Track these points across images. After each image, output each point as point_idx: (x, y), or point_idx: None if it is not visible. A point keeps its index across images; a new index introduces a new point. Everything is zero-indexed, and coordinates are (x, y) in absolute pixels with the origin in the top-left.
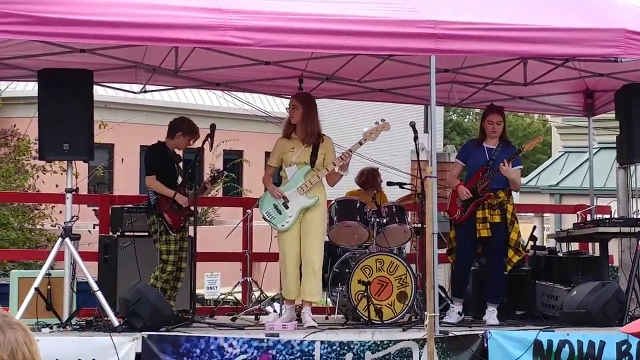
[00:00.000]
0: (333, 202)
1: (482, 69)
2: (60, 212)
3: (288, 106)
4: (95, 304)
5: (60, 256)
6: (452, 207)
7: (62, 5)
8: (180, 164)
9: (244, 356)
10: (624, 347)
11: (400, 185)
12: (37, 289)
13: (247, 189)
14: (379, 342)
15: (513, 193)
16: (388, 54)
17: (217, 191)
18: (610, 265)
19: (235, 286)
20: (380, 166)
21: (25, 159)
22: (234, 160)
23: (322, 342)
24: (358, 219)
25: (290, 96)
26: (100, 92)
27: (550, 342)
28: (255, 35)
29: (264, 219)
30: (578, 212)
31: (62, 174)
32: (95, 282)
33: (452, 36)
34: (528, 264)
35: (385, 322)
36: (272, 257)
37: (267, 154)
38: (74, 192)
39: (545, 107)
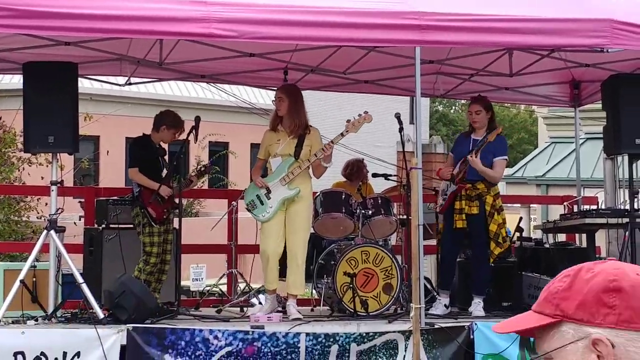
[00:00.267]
0: (318, 193)
1: (468, 60)
2: (46, 204)
3: (274, 98)
4: (80, 296)
5: (45, 248)
6: (439, 198)
7: None
8: (166, 157)
9: (229, 348)
10: None
11: (386, 176)
12: (22, 281)
13: (232, 182)
14: (364, 334)
15: (500, 184)
16: (373, 45)
17: (202, 183)
18: (597, 256)
19: (221, 278)
20: (365, 158)
21: (11, 151)
22: (219, 153)
23: (307, 334)
24: (343, 210)
25: (275, 88)
26: (85, 85)
27: None
28: (240, 27)
29: (247, 209)
30: (565, 203)
31: (47, 166)
32: (81, 274)
33: (437, 27)
34: (514, 255)
35: (370, 313)
36: (258, 249)
37: (253, 146)
38: (59, 185)
39: (531, 97)
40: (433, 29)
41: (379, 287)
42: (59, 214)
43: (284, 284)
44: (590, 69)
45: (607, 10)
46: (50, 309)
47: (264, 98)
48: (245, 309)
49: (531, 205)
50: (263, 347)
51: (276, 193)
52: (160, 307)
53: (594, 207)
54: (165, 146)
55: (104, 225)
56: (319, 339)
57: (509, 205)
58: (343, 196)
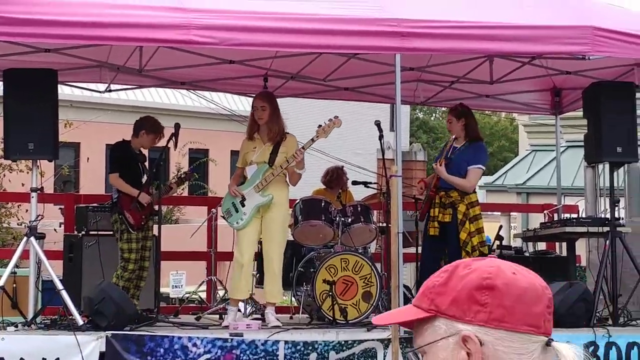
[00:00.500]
0: (298, 201)
1: (448, 67)
2: (27, 210)
3: (253, 107)
4: (60, 303)
5: (25, 255)
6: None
7: (27, 5)
8: (146, 163)
9: (208, 356)
10: (591, 348)
11: (366, 184)
12: (2, 288)
13: (212, 189)
14: (343, 342)
15: (479, 192)
16: (353, 52)
17: (182, 190)
18: (577, 265)
19: (200, 285)
20: (345, 165)
21: None
22: (199, 160)
23: (286, 342)
24: (323, 218)
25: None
26: (65, 91)
27: None
28: (219, 34)
29: (222, 217)
30: (545, 212)
31: (28, 172)
32: (60, 280)
33: (417, 34)
34: None
35: (349, 321)
36: None
37: (233, 153)
38: (39, 191)
39: (512, 105)
40: (413, 36)
41: (358, 294)
42: (39, 220)
43: (262, 292)
44: (571, 76)
45: (589, 17)
46: (30, 316)
47: (244, 105)
48: (224, 316)
49: (511, 213)
50: (242, 355)
51: (250, 200)
52: (140, 314)
53: (575, 215)
54: (145, 152)
55: (83, 232)
56: (298, 347)
57: (489, 213)
58: (322, 204)
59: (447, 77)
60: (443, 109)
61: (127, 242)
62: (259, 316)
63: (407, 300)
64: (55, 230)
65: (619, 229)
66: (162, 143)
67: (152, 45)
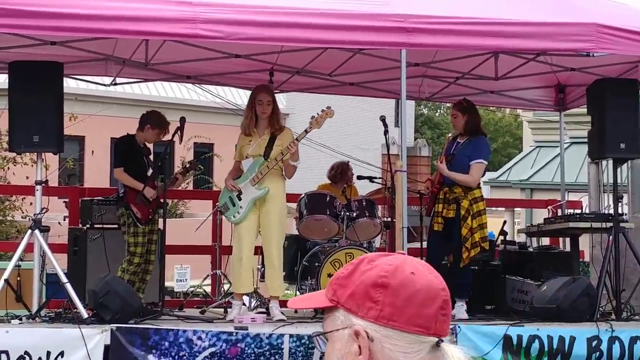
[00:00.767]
0: (303, 195)
1: (453, 63)
2: (31, 203)
3: (259, 101)
4: (64, 296)
5: (30, 248)
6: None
7: None
8: (151, 157)
9: (213, 349)
10: (594, 343)
11: (371, 179)
12: (6, 280)
13: (217, 184)
14: None
15: (483, 188)
16: (359, 47)
17: (187, 184)
18: (580, 260)
19: (205, 279)
20: (351, 160)
21: None
22: (205, 154)
23: (291, 336)
24: (328, 212)
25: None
26: (70, 85)
27: (520, 337)
28: (226, 28)
29: (220, 211)
30: (549, 207)
31: (32, 165)
32: (65, 274)
33: (422, 30)
34: (498, 259)
35: None
36: None
37: None
38: (43, 184)
39: (516, 101)
40: (419, 32)
41: None
42: (44, 213)
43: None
44: (575, 73)
45: (593, 15)
46: (35, 309)
47: None
48: (228, 310)
49: (515, 209)
50: (246, 349)
51: (247, 194)
52: (144, 308)
53: (578, 211)
54: (149, 146)
55: (88, 226)
56: (303, 341)
57: (493, 208)
58: (327, 198)
59: (452, 73)
60: (448, 104)
61: (133, 236)
62: (263, 310)
63: None
64: (59, 223)
65: (622, 224)
66: (167, 137)
67: (158, 38)
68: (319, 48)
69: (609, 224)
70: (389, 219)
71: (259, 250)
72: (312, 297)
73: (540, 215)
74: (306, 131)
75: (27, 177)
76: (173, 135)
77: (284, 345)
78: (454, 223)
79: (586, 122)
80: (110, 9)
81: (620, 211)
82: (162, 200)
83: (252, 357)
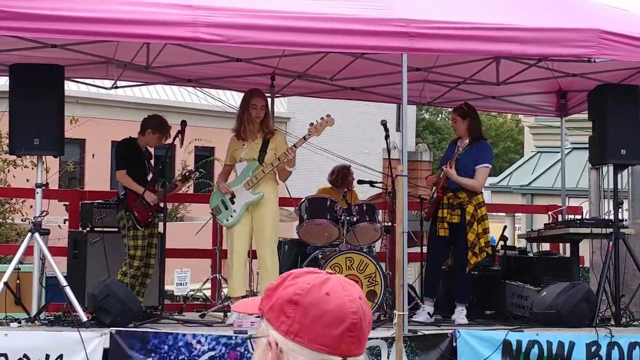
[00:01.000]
0: (304, 199)
1: (455, 68)
2: (31, 206)
3: (254, 105)
4: (63, 299)
5: (29, 251)
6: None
7: (34, 0)
8: (152, 161)
9: (212, 353)
10: (593, 348)
11: (371, 183)
12: (6, 283)
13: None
14: None
15: (484, 193)
16: (360, 52)
17: (188, 188)
18: (580, 266)
19: (205, 283)
20: (352, 164)
21: None
22: (205, 159)
23: None
24: (328, 216)
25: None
26: (72, 87)
27: (519, 342)
28: (227, 32)
29: (212, 214)
30: (549, 213)
31: (33, 168)
32: (64, 277)
33: (424, 35)
34: (498, 264)
35: None
36: None
37: None
38: (44, 187)
39: (517, 106)
40: (420, 37)
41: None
42: (44, 216)
43: None
44: (577, 78)
45: (595, 20)
46: (34, 312)
47: None
48: (228, 314)
49: (516, 214)
50: (246, 352)
51: (240, 198)
52: (144, 311)
53: (579, 217)
54: (151, 150)
55: (88, 229)
56: None
57: (494, 214)
58: (328, 202)
59: (454, 78)
60: (449, 109)
61: (133, 239)
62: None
63: (411, 300)
64: (59, 226)
65: (622, 230)
66: (168, 140)
67: (159, 42)
68: (320, 52)
69: (609, 230)
70: (390, 224)
71: (249, 254)
72: (250, 303)
73: (541, 221)
74: (305, 138)
75: (28, 180)
76: (174, 139)
77: None
78: (459, 228)
79: (587, 128)
80: (111, 12)
81: (620, 217)
82: (162, 205)
83: None
